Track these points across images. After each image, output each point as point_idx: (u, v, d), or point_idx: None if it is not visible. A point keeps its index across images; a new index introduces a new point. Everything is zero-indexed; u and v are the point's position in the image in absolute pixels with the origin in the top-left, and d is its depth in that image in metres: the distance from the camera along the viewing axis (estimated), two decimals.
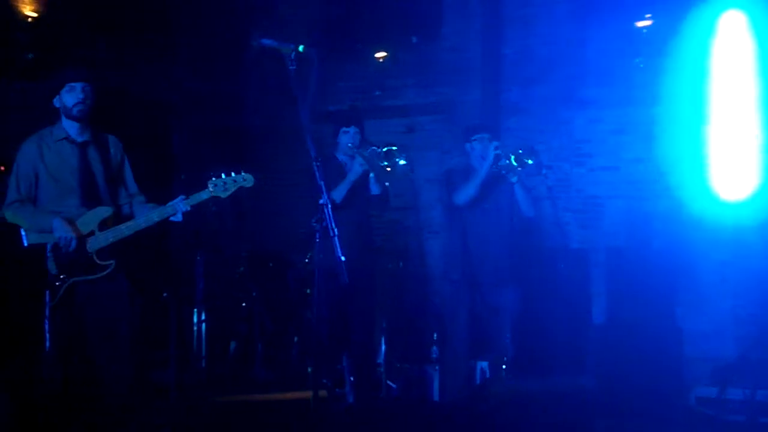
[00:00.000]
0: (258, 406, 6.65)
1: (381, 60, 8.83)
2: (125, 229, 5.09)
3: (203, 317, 7.24)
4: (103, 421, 4.97)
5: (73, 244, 4.97)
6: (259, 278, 7.87)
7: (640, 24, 7.83)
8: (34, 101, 5.59)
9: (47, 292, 4.93)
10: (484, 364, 6.58)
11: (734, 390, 6.33)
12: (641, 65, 7.74)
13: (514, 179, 6.35)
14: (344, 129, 6.34)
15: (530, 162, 6.31)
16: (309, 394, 5.83)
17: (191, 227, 6.02)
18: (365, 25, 8.42)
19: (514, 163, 6.30)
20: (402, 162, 6.12)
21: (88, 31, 7.05)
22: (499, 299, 6.51)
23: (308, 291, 7.24)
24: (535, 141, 7.49)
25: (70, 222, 5.00)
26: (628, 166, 7.89)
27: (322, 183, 4.62)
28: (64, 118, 5.16)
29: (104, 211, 5.10)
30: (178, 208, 5.12)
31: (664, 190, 7.39)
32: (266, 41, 4.62)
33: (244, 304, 7.78)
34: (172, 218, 5.17)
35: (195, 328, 7.15)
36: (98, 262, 5.02)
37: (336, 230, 4.55)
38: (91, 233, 5.04)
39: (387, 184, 6.26)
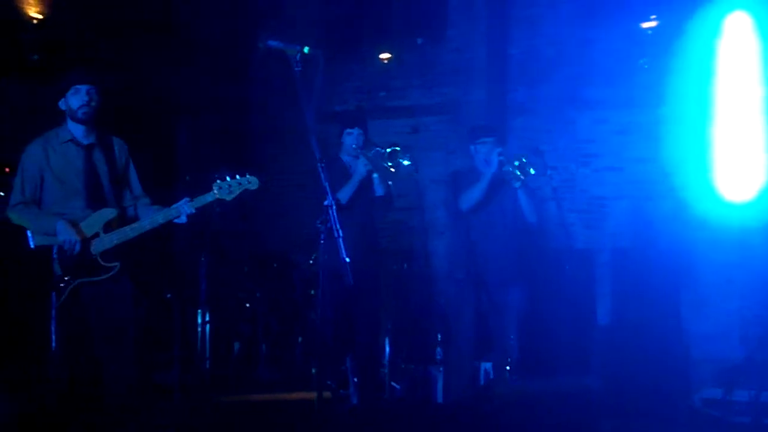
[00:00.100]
0: (262, 406, 6.64)
1: (386, 61, 8.84)
2: (130, 231, 5.11)
3: (207, 318, 7.23)
4: (107, 422, 4.97)
5: (77, 246, 4.98)
6: (263, 279, 7.88)
7: (646, 25, 7.84)
8: (40, 103, 5.57)
9: (53, 293, 4.93)
10: (488, 365, 6.58)
11: (740, 391, 6.30)
12: (646, 66, 7.75)
13: (517, 185, 6.38)
14: (348, 130, 6.33)
15: (533, 172, 6.33)
16: (313, 394, 5.89)
17: (195, 228, 6.01)
18: (370, 27, 8.43)
19: (517, 172, 6.32)
20: (406, 162, 6.13)
21: (93, 33, 7.07)
22: (503, 300, 6.50)
23: (312, 292, 7.24)
24: (540, 141, 7.58)
25: (74, 224, 5.02)
26: (632, 167, 7.91)
27: (326, 184, 4.62)
28: (69, 121, 5.19)
29: (109, 213, 5.12)
30: (183, 210, 5.14)
31: (668, 191, 7.37)
32: (272, 42, 4.62)
33: (248, 305, 7.79)
34: (176, 220, 5.18)
35: (199, 329, 7.14)
36: (103, 263, 5.04)
37: (341, 231, 4.55)
38: (96, 235, 5.05)
39: (390, 183, 6.26)
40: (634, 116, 7.83)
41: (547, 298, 6.99)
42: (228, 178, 5.17)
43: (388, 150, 6.14)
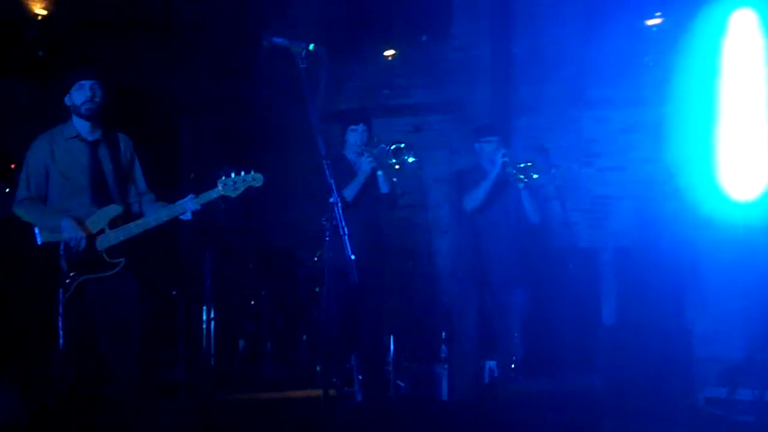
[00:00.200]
0: (266, 404, 6.65)
1: (390, 59, 8.83)
2: (135, 227, 5.12)
3: (212, 315, 7.19)
4: (111, 419, 4.97)
5: (83, 243, 4.99)
6: (268, 276, 7.87)
7: (650, 22, 7.81)
8: (44, 100, 5.60)
9: (60, 290, 4.94)
10: (492, 363, 6.60)
11: (743, 390, 6.34)
12: (651, 64, 7.73)
13: (521, 185, 6.42)
14: (352, 127, 6.32)
15: (536, 176, 6.36)
16: (317, 392, 5.90)
17: (200, 225, 6.01)
18: (374, 25, 8.43)
19: (521, 175, 6.36)
20: (410, 159, 6.15)
21: (97, 31, 7.08)
22: (508, 299, 6.53)
23: (317, 289, 7.24)
24: (544, 140, 7.56)
25: (80, 222, 5.03)
26: (636, 166, 7.88)
27: (332, 181, 4.64)
28: (74, 117, 5.19)
29: (114, 210, 5.13)
30: (188, 207, 5.15)
31: (672, 191, 7.37)
32: (277, 40, 4.64)
33: (252, 302, 7.78)
34: (181, 217, 5.19)
35: (204, 326, 7.10)
36: (108, 260, 5.05)
37: (346, 229, 4.55)
38: (101, 231, 5.07)
39: (395, 180, 6.26)
40: (638, 115, 7.81)
41: (550, 298, 7.02)
42: (233, 175, 5.17)
43: (392, 147, 6.15)
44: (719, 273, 7.22)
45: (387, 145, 6.18)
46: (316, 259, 7.11)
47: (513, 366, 6.48)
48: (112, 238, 5.06)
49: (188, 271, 7.42)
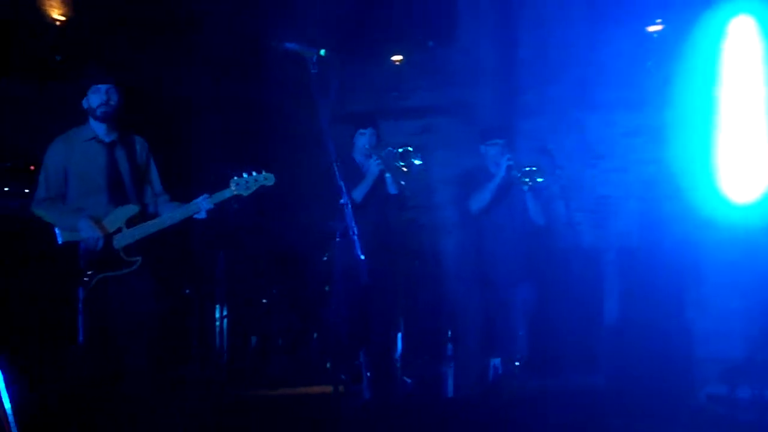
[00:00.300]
0: (277, 399, 6.69)
1: (397, 63, 8.90)
2: (151, 226, 5.25)
3: (225, 313, 7.29)
4: (125, 415, 5.01)
5: (101, 242, 5.10)
6: (279, 275, 7.92)
7: (652, 28, 7.84)
8: (63, 102, 5.69)
9: (80, 288, 5.04)
10: (497, 360, 6.60)
11: (744, 389, 6.38)
12: (652, 69, 7.74)
13: (525, 188, 6.48)
14: (361, 130, 6.42)
15: (540, 180, 6.43)
16: (327, 388, 5.96)
17: (214, 225, 6.10)
18: (383, 30, 8.42)
19: (525, 179, 6.44)
20: (417, 162, 6.21)
21: (113, 34, 7.15)
22: (512, 298, 6.58)
23: (327, 288, 7.18)
24: (549, 142, 7.56)
25: (97, 221, 5.14)
26: (639, 168, 7.89)
27: (342, 183, 4.71)
28: (91, 119, 5.30)
29: (131, 209, 5.25)
30: (202, 206, 5.27)
31: (674, 192, 7.34)
32: (289, 45, 4.71)
33: (264, 301, 7.81)
34: (195, 216, 5.30)
35: (217, 323, 7.19)
36: (125, 258, 5.17)
37: (356, 229, 4.62)
38: (119, 230, 5.18)
39: (403, 183, 6.35)
40: (640, 118, 7.82)
41: (554, 297, 7.02)
42: (245, 175, 5.29)
43: (400, 150, 6.22)
44: (720, 273, 7.18)
45: (395, 148, 6.24)
46: (325, 258, 7.12)
47: (517, 363, 6.52)
48: (128, 236, 5.18)
49: (202, 270, 7.49)
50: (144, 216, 5.30)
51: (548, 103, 8.26)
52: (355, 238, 4.59)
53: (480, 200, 6.57)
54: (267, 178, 5.34)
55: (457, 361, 6.78)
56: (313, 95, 4.64)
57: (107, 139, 5.31)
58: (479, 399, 6.45)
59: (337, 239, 5.21)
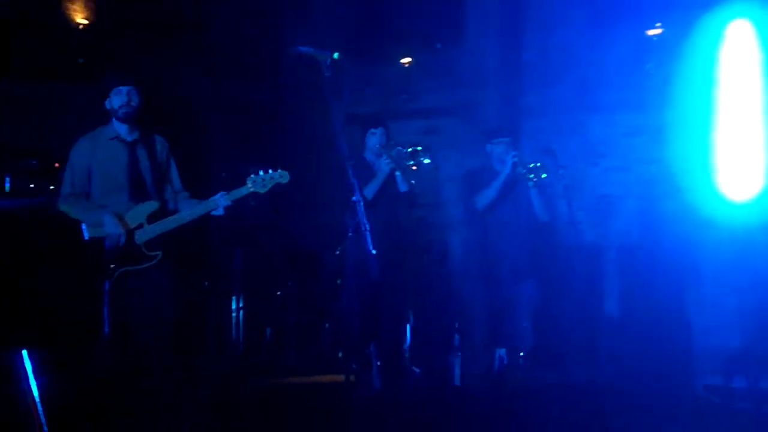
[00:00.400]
0: (291, 388, 6.74)
1: (407, 65, 8.97)
2: (171, 222, 5.36)
3: (241, 305, 7.35)
4: (144, 404, 5.10)
5: (123, 237, 5.21)
6: (293, 269, 7.99)
7: (652, 32, 7.91)
8: (87, 103, 5.82)
9: (106, 282, 5.15)
10: (502, 351, 6.68)
11: (740, 379, 6.49)
12: (652, 71, 7.79)
13: (530, 184, 6.59)
14: (372, 130, 6.53)
15: (545, 176, 6.53)
16: (338, 378, 6.00)
17: (232, 221, 6.22)
18: (392, 33, 8.53)
19: (530, 175, 6.53)
20: (427, 161, 6.30)
21: (135, 37, 7.25)
22: (517, 293, 6.68)
23: (338, 281, 7.31)
24: (551, 142, 7.62)
25: (120, 217, 5.25)
26: (639, 167, 7.94)
27: (354, 181, 4.73)
28: (114, 119, 5.41)
29: (152, 206, 5.36)
30: (220, 203, 5.37)
31: (673, 191, 7.42)
32: (303, 48, 4.74)
33: (279, 293, 7.88)
34: (213, 212, 5.40)
35: (233, 315, 7.25)
36: (146, 252, 5.28)
37: (368, 225, 4.65)
38: (140, 226, 5.29)
39: (413, 182, 6.44)
40: (641, 119, 7.88)
41: (557, 293, 7.14)
42: (261, 173, 5.39)
43: (410, 149, 6.32)
44: (718, 270, 7.29)
45: (404, 148, 6.34)
46: (337, 252, 7.22)
47: (522, 355, 6.65)
48: (149, 232, 5.29)
49: (219, 264, 7.56)
50: (164, 212, 5.41)
51: (551, 104, 8.33)
52: (367, 233, 4.62)
53: (485, 198, 6.67)
54: (282, 176, 5.43)
55: (464, 352, 6.81)
56: (327, 97, 4.68)
57: (129, 139, 5.43)
58: (485, 388, 6.54)
59: (350, 234, 5.30)
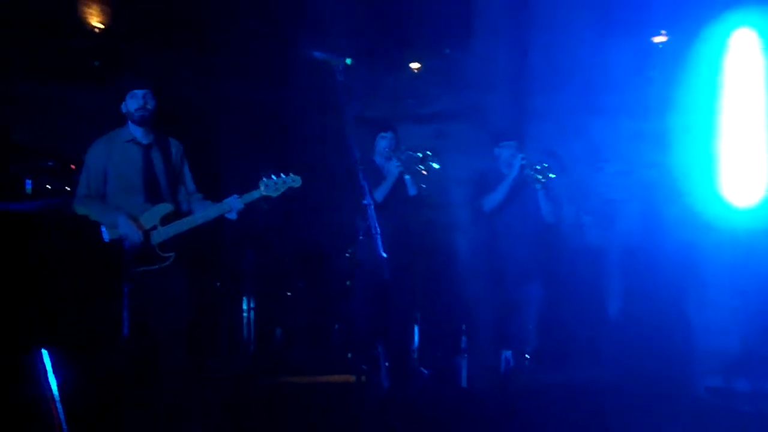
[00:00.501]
0: (301, 387, 6.76)
1: (415, 70, 9.03)
2: (184, 224, 5.44)
3: (252, 306, 7.40)
4: (158, 403, 5.19)
5: (137, 238, 5.28)
6: (304, 271, 8.04)
7: (656, 39, 7.96)
8: (101, 106, 5.91)
9: (125, 283, 5.22)
10: (508, 353, 6.73)
11: (741, 381, 6.56)
12: (656, 77, 7.83)
13: (537, 186, 6.64)
14: (382, 134, 6.60)
15: (553, 176, 6.57)
16: (348, 377, 6.05)
17: (244, 224, 6.28)
18: (401, 39, 8.57)
19: (538, 176, 6.59)
20: (436, 165, 6.38)
21: (150, 41, 7.31)
22: (523, 295, 6.74)
23: (348, 283, 7.15)
24: (556, 146, 7.64)
25: (135, 219, 5.32)
26: (642, 171, 7.95)
27: (365, 184, 4.77)
28: (129, 122, 5.49)
29: (166, 207, 5.45)
30: (234, 205, 5.46)
31: (676, 195, 7.40)
32: (317, 53, 4.82)
33: (289, 294, 7.93)
34: (226, 215, 5.48)
35: (245, 315, 7.29)
36: (160, 253, 5.36)
37: (378, 228, 4.70)
38: (154, 227, 5.37)
39: (423, 186, 6.51)
40: (644, 124, 7.87)
41: (563, 295, 7.15)
42: (273, 177, 5.48)
43: (420, 154, 6.39)
44: (720, 273, 7.22)
45: (414, 152, 6.40)
46: (347, 254, 7.28)
47: (527, 356, 6.69)
48: (163, 233, 5.37)
49: (231, 265, 7.59)
50: (178, 214, 5.48)
51: (556, 108, 8.35)
52: (378, 236, 4.66)
53: (493, 200, 6.73)
54: (294, 180, 5.52)
55: (471, 354, 6.85)
56: (340, 102, 4.75)
57: (144, 141, 5.50)
58: (492, 389, 6.59)
59: (360, 237, 5.37)
